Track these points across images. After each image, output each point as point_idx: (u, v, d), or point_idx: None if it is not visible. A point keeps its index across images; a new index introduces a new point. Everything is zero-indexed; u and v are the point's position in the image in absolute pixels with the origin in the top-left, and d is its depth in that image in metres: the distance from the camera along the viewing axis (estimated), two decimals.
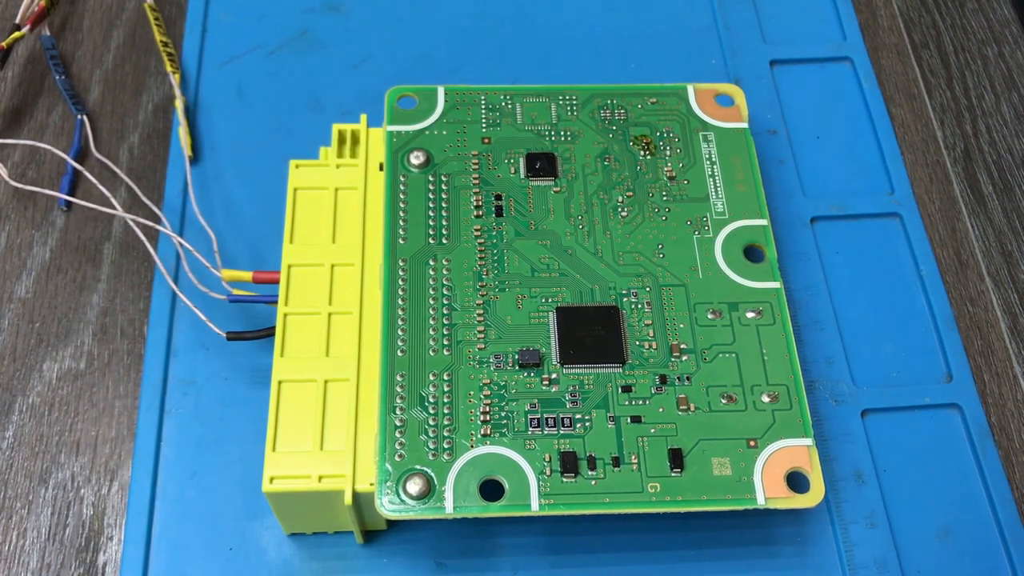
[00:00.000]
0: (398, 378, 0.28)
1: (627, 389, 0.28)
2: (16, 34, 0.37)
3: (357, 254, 0.30)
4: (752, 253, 0.31)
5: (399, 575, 0.29)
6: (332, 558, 0.29)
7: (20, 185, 0.35)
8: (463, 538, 0.30)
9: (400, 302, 0.29)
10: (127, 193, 0.36)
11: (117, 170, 0.36)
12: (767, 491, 0.27)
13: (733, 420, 0.28)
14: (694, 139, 0.33)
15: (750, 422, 0.28)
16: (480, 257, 0.30)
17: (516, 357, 0.29)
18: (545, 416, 0.28)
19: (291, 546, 0.30)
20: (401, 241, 0.30)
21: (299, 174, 0.32)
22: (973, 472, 0.32)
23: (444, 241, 0.30)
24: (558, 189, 0.32)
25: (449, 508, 0.26)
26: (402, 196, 0.31)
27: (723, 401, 0.28)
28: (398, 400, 0.28)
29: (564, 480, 0.27)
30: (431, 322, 0.29)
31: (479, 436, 0.27)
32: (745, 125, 0.33)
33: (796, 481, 0.27)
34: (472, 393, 0.28)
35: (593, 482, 0.27)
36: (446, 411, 0.28)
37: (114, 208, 0.33)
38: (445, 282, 0.30)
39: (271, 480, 0.27)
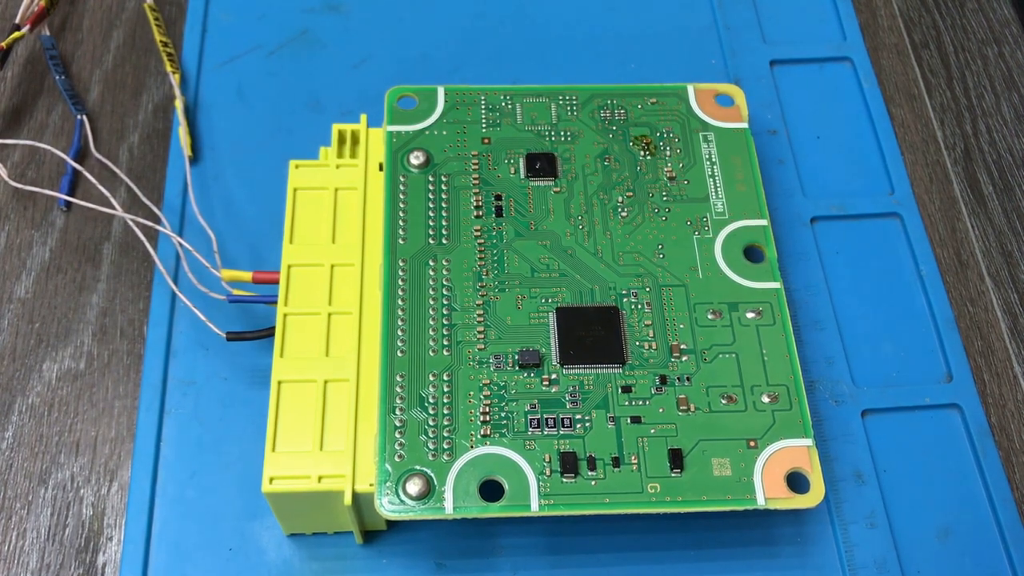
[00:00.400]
0: (398, 378, 0.28)
1: (627, 389, 0.28)
2: (16, 34, 0.37)
3: (357, 254, 0.30)
4: (752, 253, 0.31)
5: (399, 575, 0.29)
6: (332, 558, 0.29)
7: (20, 185, 0.35)
8: (463, 538, 0.30)
9: (400, 302, 0.29)
10: (127, 193, 0.36)
11: (117, 170, 0.36)
12: (767, 491, 0.27)
13: (733, 420, 0.28)
14: (694, 139, 0.33)
15: (750, 422, 0.28)
16: (480, 257, 0.30)
17: (516, 357, 0.29)
18: (545, 416, 0.28)
19: (291, 546, 0.30)
20: (401, 241, 0.30)
21: (299, 174, 0.32)
22: (973, 472, 0.32)
23: (444, 241, 0.30)
24: (558, 189, 0.32)
25: (449, 508, 0.26)
26: (402, 196, 0.31)
27: (723, 401, 0.28)
28: (398, 400, 0.28)
29: (564, 480, 0.27)
30: (431, 322, 0.29)
31: (479, 436, 0.27)
32: (745, 125, 0.33)
33: (796, 481, 0.27)
34: (472, 393, 0.28)
35: (593, 482, 0.27)
36: (446, 411, 0.28)
37: (114, 208, 0.33)
38: (445, 282, 0.30)
39: (271, 480, 0.27)
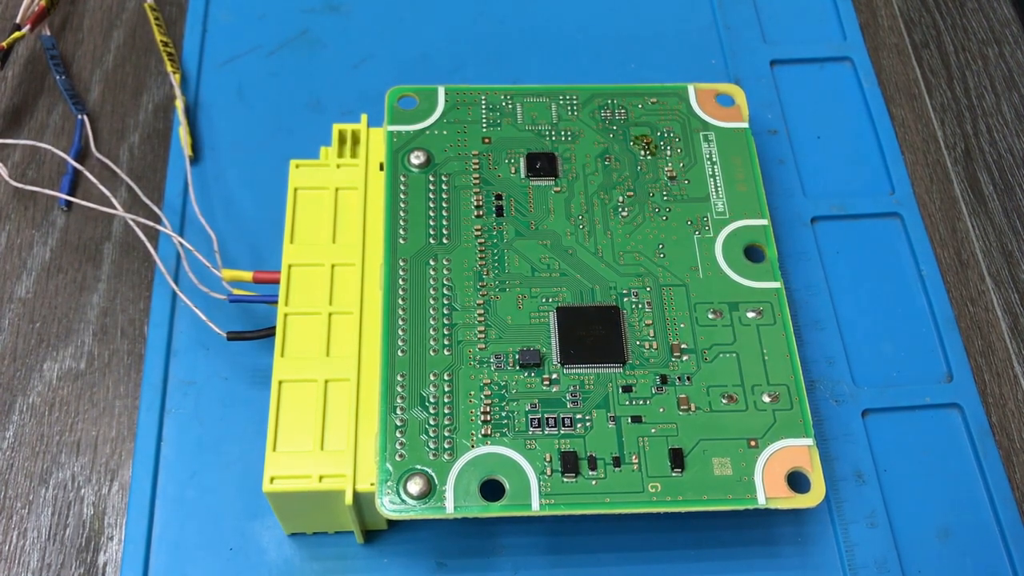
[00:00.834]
0: (398, 378, 0.28)
1: (627, 389, 0.28)
2: (16, 34, 0.37)
3: (357, 254, 0.30)
4: (752, 253, 0.31)
5: (399, 575, 0.29)
6: (332, 558, 0.29)
7: (20, 185, 0.35)
8: (463, 538, 0.30)
9: (400, 302, 0.29)
10: (127, 193, 0.36)
11: (117, 170, 0.36)
12: (768, 491, 0.27)
13: (734, 420, 0.28)
14: (694, 139, 0.33)
15: (751, 422, 0.28)
16: (480, 257, 0.30)
17: (516, 357, 0.29)
18: (546, 416, 0.28)
19: (291, 546, 0.30)
20: (401, 241, 0.30)
21: (299, 174, 0.32)
22: (973, 472, 0.32)
23: (444, 241, 0.30)
24: (558, 189, 0.32)
25: (449, 508, 0.26)
26: (402, 196, 0.31)
27: (724, 401, 0.28)
28: (398, 400, 0.28)
29: (565, 480, 0.27)
30: (431, 322, 0.29)
31: (479, 436, 0.27)
32: (745, 125, 0.33)
33: (797, 481, 0.27)
34: (472, 393, 0.28)
35: (594, 482, 0.27)
36: (446, 411, 0.28)
37: (114, 208, 0.33)
38: (445, 282, 0.30)
39: (271, 480, 0.27)
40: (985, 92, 0.40)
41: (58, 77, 0.38)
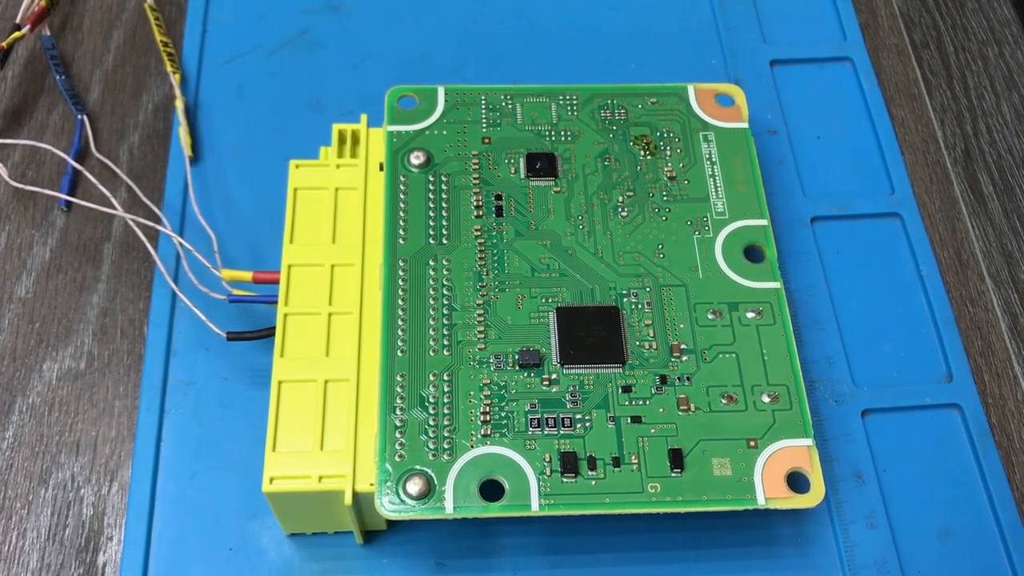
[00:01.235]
0: (398, 378, 0.28)
1: (627, 389, 0.28)
2: (16, 34, 0.37)
3: (357, 254, 0.30)
4: (752, 253, 0.31)
5: (399, 575, 0.29)
6: (332, 558, 0.29)
7: (20, 185, 0.35)
8: (463, 538, 0.30)
9: (400, 302, 0.29)
10: (127, 193, 0.36)
11: (117, 170, 0.36)
12: (767, 491, 0.27)
13: (733, 420, 0.28)
14: (694, 139, 0.33)
15: (750, 422, 0.28)
16: (480, 257, 0.30)
17: (516, 357, 0.29)
18: (545, 416, 0.28)
19: (291, 546, 0.30)
20: (401, 241, 0.30)
21: (299, 174, 0.32)
22: (973, 472, 0.32)
23: (444, 241, 0.30)
24: (558, 189, 0.32)
25: (449, 508, 0.26)
26: (402, 196, 0.31)
27: (723, 401, 0.28)
28: (398, 400, 0.28)
29: (564, 480, 0.27)
30: (431, 322, 0.29)
31: (479, 436, 0.27)
32: (745, 125, 0.33)
33: (796, 481, 0.27)
34: (472, 393, 0.28)
35: (593, 482, 0.27)
36: (446, 411, 0.28)
37: (114, 208, 0.33)
38: (445, 282, 0.30)
39: (271, 480, 0.27)
40: (985, 92, 0.40)
41: (58, 77, 0.38)
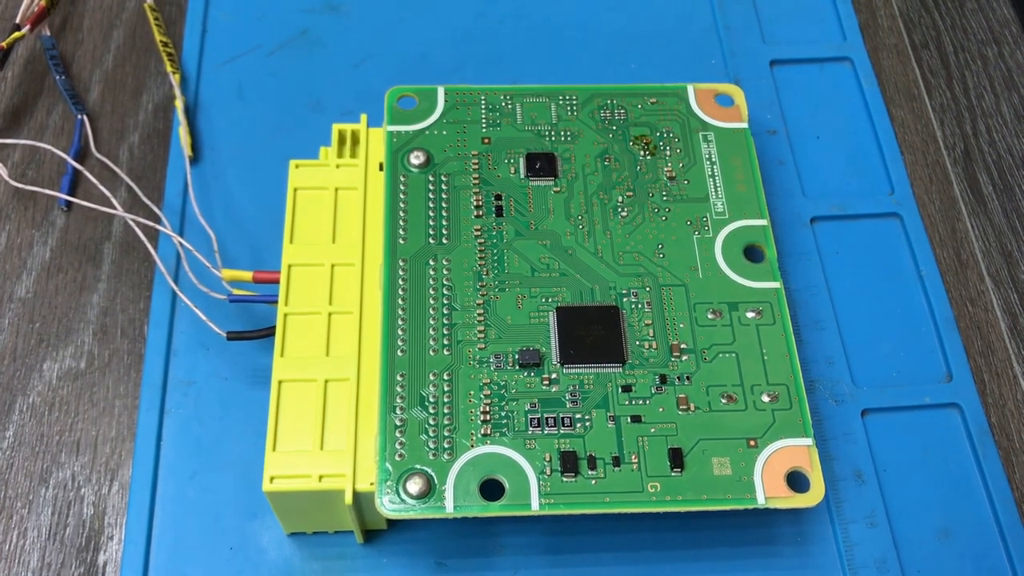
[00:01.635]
0: (398, 378, 0.28)
1: (627, 389, 0.28)
2: (16, 34, 0.37)
3: (357, 254, 0.30)
4: (752, 253, 0.31)
5: (399, 575, 0.29)
6: (332, 558, 0.29)
7: (20, 185, 0.35)
8: (463, 538, 0.30)
9: (400, 302, 0.29)
10: (127, 193, 0.36)
11: (117, 170, 0.36)
12: (767, 491, 0.27)
13: (733, 420, 0.28)
14: (694, 139, 0.33)
15: (750, 422, 0.28)
16: (480, 257, 0.30)
17: (516, 357, 0.29)
18: (545, 416, 0.28)
19: (291, 546, 0.30)
20: (401, 241, 0.30)
21: (299, 174, 0.32)
22: (973, 472, 0.32)
23: (444, 241, 0.30)
24: (558, 189, 0.32)
25: (449, 508, 0.26)
26: (402, 196, 0.31)
27: (723, 401, 0.28)
28: (398, 400, 0.28)
29: (564, 480, 0.27)
30: (431, 322, 0.29)
31: (479, 436, 0.27)
32: (745, 125, 0.33)
33: (796, 481, 0.27)
34: (472, 393, 0.28)
35: (593, 482, 0.27)
36: (446, 411, 0.28)
37: (114, 208, 0.33)
38: (445, 282, 0.30)
39: (271, 480, 0.27)
40: (985, 92, 0.40)
41: (58, 77, 0.38)
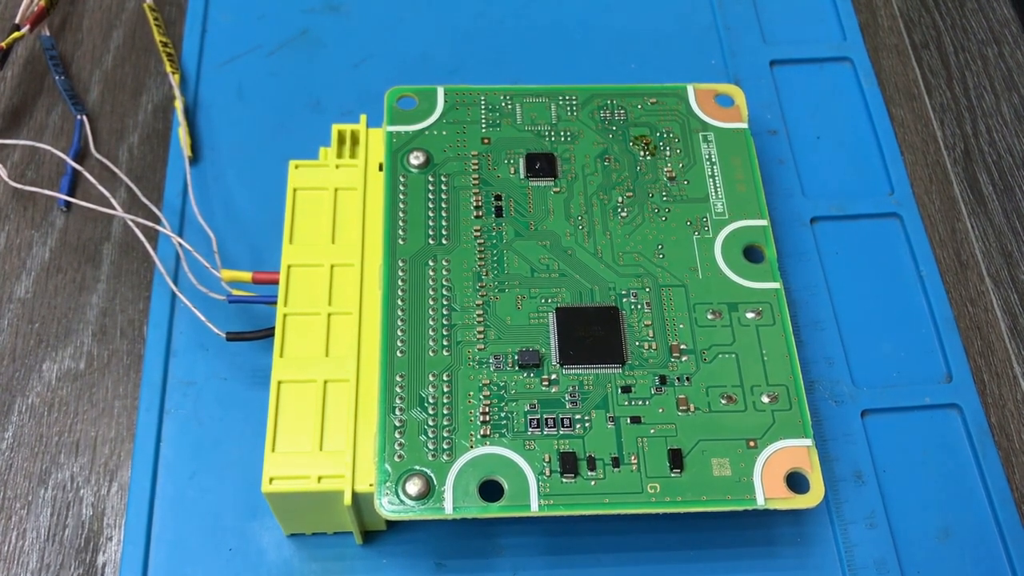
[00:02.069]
0: (398, 378, 0.28)
1: (627, 389, 0.28)
2: (16, 34, 0.37)
3: (357, 254, 0.30)
4: (752, 253, 0.31)
5: (399, 575, 0.29)
6: (332, 558, 0.29)
7: (19, 185, 0.35)
8: (463, 538, 0.30)
9: (400, 302, 0.29)
10: (127, 193, 0.36)
11: (117, 170, 0.36)
12: (767, 491, 0.27)
13: (733, 420, 0.28)
14: (694, 139, 0.33)
15: (750, 422, 0.28)
16: (480, 257, 0.30)
17: (516, 357, 0.29)
18: (545, 416, 0.28)
19: (291, 546, 0.30)
20: (401, 241, 0.30)
21: (299, 174, 0.32)
22: (973, 472, 0.32)
23: (444, 241, 0.30)
24: (558, 189, 0.32)
25: (449, 508, 0.26)
26: (402, 196, 0.31)
27: (723, 401, 0.28)
28: (397, 401, 0.28)
29: (564, 480, 0.27)
30: (431, 322, 0.29)
31: (479, 436, 0.27)
32: (745, 125, 0.33)
33: (796, 481, 0.27)
34: (472, 393, 0.28)
35: (593, 482, 0.27)
36: (445, 411, 0.28)
37: (114, 208, 0.33)
38: (445, 282, 0.30)
39: (271, 480, 0.27)
40: (985, 92, 0.40)
41: (57, 77, 0.38)
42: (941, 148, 0.39)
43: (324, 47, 0.39)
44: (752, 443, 0.28)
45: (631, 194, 0.32)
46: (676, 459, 0.27)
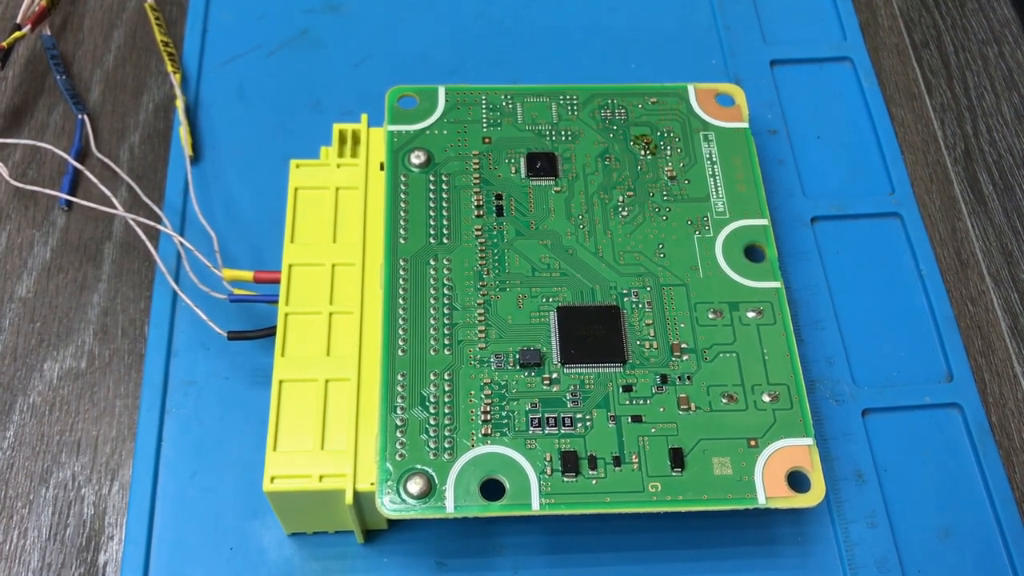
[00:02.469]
0: (399, 378, 0.28)
1: (628, 389, 0.28)
2: (17, 34, 0.37)
3: (358, 254, 0.30)
4: (752, 253, 0.31)
5: (400, 575, 0.29)
6: (333, 558, 0.29)
7: (21, 185, 0.35)
8: (464, 538, 0.30)
9: (401, 302, 0.29)
10: (128, 193, 0.36)
11: (118, 170, 0.36)
12: (768, 491, 0.27)
13: (734, 420, 0.28)
14: (694, 139, 0.33)
15: (751, 422, 0.28)
16: (481, 257, 0.30)
17: (517, 357, 0.29)
18: (546, 416, 0.28)
19: (291, 546, 0.30)
20: (402, 241, 0.30)
21: (300, 174, 0.32)
22: (973, 472, 0.32)
23: (445, 241, 0.30)
24: (559, 189, 0.32)
25: (450, 508, 0.26)
26: (403, 196, 0.31)
27: (724, 401, 0.28)
28: (399, 400, 0.28)
29: (565, 480, 0.27)
30: (432, 322, 0.29)
31: (480, 436, 0.27)
32: (745, 125, 0.33)
33: (797, 481, 0.27)
34: (473, 393, 0.28)
35: (594, 481, 0.27)
36: (447, 411, 0.28)
37: (115, 208, 0.33)
38: (446, 282, 0.30)
39: (272, 480, 0.27)
40: (985, 92, 0.40)
41: (58, 77, 0.38)
42: (941, 148, 0.39)
43: (324, 47, 0.39)
44: (753, 442, 0.28)
45: (632, 193, 0.32)
46: (677, 458, 0.27)
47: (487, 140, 0.33)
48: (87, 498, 0.31)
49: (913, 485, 0.31)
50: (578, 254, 0.31)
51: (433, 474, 0.27)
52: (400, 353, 0.28)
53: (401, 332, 0.29)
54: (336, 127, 0.33)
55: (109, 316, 0.34)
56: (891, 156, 0.38)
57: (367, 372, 0.28)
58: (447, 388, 0.28)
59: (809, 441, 0.28)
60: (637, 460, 0.27)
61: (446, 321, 0.29)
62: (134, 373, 0.33)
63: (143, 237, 0.33)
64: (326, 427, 0.28)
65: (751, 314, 0.30)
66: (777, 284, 0.30)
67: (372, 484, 0.27)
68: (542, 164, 0.32)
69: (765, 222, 0.32)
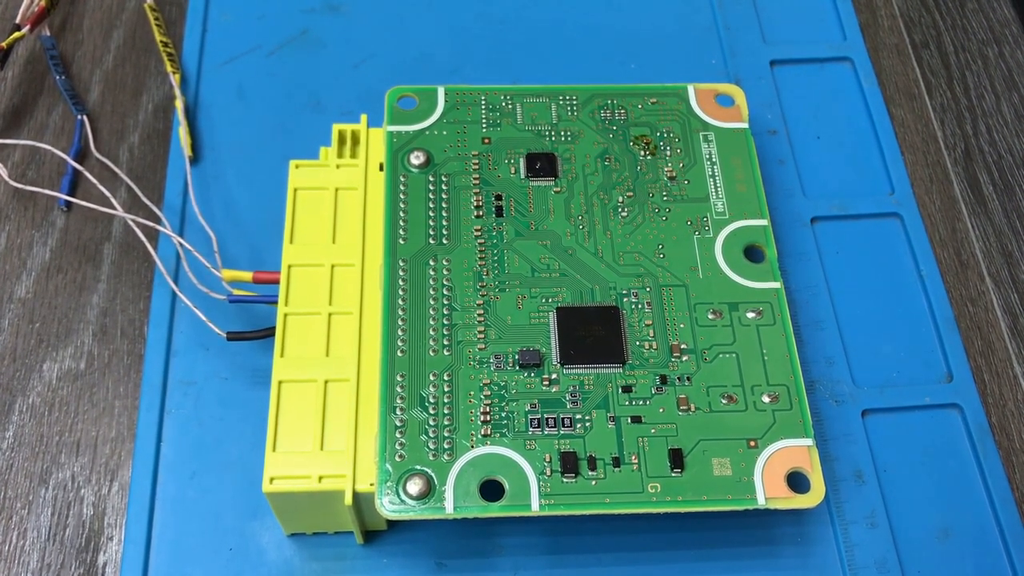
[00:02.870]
0: (398, 378, 0.28)
1: (627, 389, 0.28)
2: (16, 34, 0.37)
3: (357, 254, 0.30)
4: (752, 253, 0.31)
5: (399, 575, 0.29)
6: (332, 558, 0.29)
7: (20, 185, 0.35)
8: (463, 538, 0.30)
9: (400, 302, 0.29)
10: (127, 193, 0.36)
11: (117, 170, 0.36)
12: (767, 491, 0.27)
13: (733, 420, 0.28)
14: (694, 139, 0.33)
15: (750, 422, 0.28)
16: (480, 257, 0.30)
17: (516, 357, 0.29)
18: (545, 416, 0.28)
19: (291, 546, 0.30)
20: (401, 241, 0.30)
21: (299, 174, 0.32)
22: (973, 472, 0.32)
23: (444, 241, 0.30)
24: (558, 189, 0.32)
25: (449, 508, 0.26)
26: (402, 196, 0.31)
27: (723, 401, 0.28)
28: (398, 400, 0.28)
29: (564, 480, 0.27)
30: (431, 322, 0.29)
31: (479, 436, 0.27)
32: (745, 125, 0.33)
33: (796, 481, 0.27)
34: (472, 393, 0.28)
35: (593, 482, 0.27)
36: (446, 411, 0.28)
37: (114, 208, 0.33)
38: (445, 282, 0.30)
39: (271, 480, 0.27)
40: (985, 92, 0.40)
41: (58, 77, 0.38)
42: (941, 148, 0.39)
43: (324, 47, 0.39)
44: (753, 443, 0.28)
45: (631, 194, 0.32)
46: (677, 459, 0.27)
47: (487, 140, 0.33)
48: (86, 499, 0.31)
49: (913, 485, 0.31)
50: (578, 254, 0.31)
51: (432, 475, 0.27)
52: (399, 354, 0.28)
53: (400, 333, 0.29)
54: (336, 127, 0.33)
55: (108, 317, 0.34)
56: (891, 156, 0.37)
57: (366, 373, 0.28)
58: (446, 389, 0.28)
59: (809, 442, 0.28)
60: (637, 461, 0.27)
61: (445, 322, 0.29)
62: (133, 374, 0.33)
63: (142, 238, 0.33)
64: (325, 428, 0.28)
65: (751, 315, 0.30)
66: (777, 284, 0.30)
67: (371, 485, 0.27)
68: (542, 164, 0.32)
69: (765, 222, 0.31)
